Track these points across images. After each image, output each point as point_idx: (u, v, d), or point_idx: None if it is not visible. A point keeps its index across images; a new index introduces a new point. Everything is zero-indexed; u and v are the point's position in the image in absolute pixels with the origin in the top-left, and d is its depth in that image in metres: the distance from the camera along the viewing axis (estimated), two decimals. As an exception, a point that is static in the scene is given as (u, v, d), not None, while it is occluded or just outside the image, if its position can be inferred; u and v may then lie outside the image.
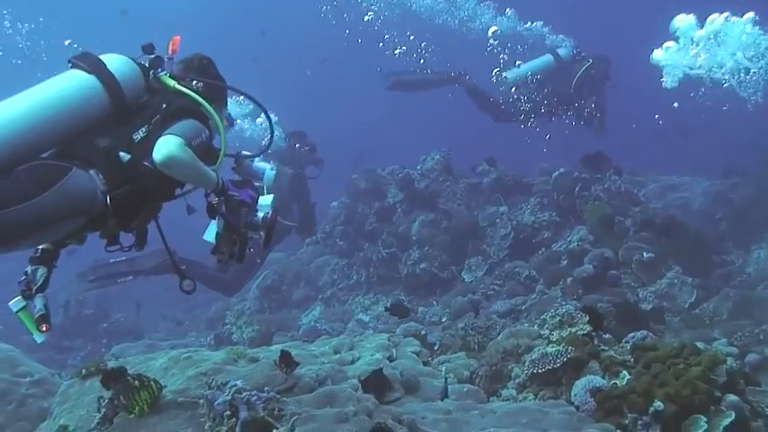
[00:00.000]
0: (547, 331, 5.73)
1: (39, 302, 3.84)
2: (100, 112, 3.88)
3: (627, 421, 4.59)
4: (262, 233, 4.32)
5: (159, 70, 4.21)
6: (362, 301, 12.21)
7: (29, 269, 3.97)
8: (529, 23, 13.79)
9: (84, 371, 5.51)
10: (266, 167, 5.02)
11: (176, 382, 4.83)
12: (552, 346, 5.33)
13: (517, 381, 5.40)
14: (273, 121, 4.97)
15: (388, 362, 5.53)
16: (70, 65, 3.94)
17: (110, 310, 16.60)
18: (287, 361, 4.94)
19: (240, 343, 11.77)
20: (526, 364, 5.30)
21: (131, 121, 3.98)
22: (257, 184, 4.60)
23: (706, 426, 4.44)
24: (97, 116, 3.87)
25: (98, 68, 3.88)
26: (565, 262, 10.28)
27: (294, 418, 4.17)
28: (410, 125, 32.79)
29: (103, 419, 4.52)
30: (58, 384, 6.50)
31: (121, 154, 3.85)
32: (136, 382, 4.46)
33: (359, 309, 12.05)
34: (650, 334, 5.83)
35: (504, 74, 12.30)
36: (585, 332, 5.54)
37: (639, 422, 4.55)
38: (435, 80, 13.34)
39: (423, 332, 7.43)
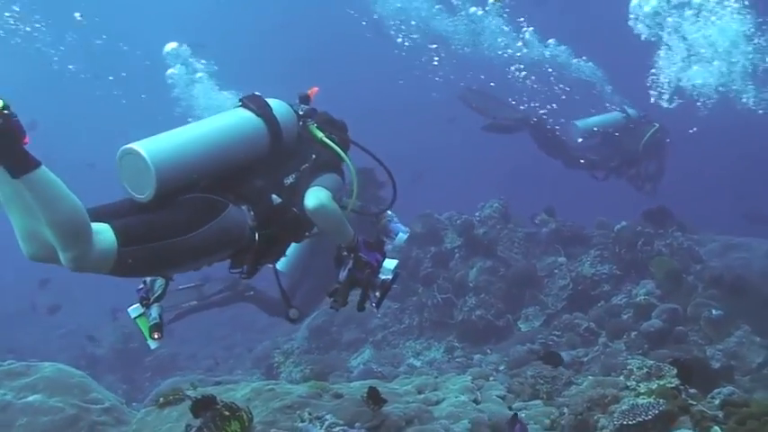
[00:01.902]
0: (634, 383, 5.61)
1: (154, 311, 4.06)
2: (259, 154, 4.17)
3: (721, 477, 4.45)
4: (377, 294, 4.65)
5: (309, 120, 4.56)
6: (414, 346, 12.07)
7: (148, 279, 4.20)
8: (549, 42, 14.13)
9: (162, 399, 5.47)
10: (401, 230, 5.10)
11: (261, 414, 4.77)
12: (643, 398, 5.21)
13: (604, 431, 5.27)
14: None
15: (474, 404, 5.44)
16: (240, 104, 4.28)
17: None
18: (375, 398, 4.87)
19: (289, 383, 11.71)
20: (615, 415, 5.17)
21: (283, 166, 4.31)
22: (386, 241, 4.98)
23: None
24: (256, 156, 4.16)
25: (265, 112, 4.20)
26: (626, 316, 10.13)
27: (387, 454, 4.10)
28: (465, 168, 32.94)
29: (191, 448, 4.47)
30: (128, 413, 6.49)
31: (273, 196, 4.19)
32: (226, 411, 4.41)
33: (410, 353, 11.92)
34: (736, 390, 5.69)
35: (574, 121, 12.43)
36: (674, 385, 5.41)
37: (733, 480, 4.40)
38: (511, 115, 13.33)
39: (492, 378, 7.32)
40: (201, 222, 3.75)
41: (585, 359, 9.34)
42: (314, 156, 4.46)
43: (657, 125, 12.75)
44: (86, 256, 3.22)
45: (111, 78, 25.48)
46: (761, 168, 24.97)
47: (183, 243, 3.65)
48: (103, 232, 3.31)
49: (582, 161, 12.91)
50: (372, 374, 10.12)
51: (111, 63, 25.49)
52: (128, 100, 26.53)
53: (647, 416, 5.00)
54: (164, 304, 4.17)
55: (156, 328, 4.01)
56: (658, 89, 12.83)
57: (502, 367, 9.78)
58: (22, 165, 2.96)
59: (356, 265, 4.57)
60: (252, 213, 4.08)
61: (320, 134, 4.54)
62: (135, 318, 4.06)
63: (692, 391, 5.60)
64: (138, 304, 4.09)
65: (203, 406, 4.57)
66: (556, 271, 11.62)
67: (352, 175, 4.60)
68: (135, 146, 3.69)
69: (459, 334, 11.66)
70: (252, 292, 10.09)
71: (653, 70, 12.74)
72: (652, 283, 10.09)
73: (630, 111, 13.03)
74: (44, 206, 3.04)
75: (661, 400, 5.07)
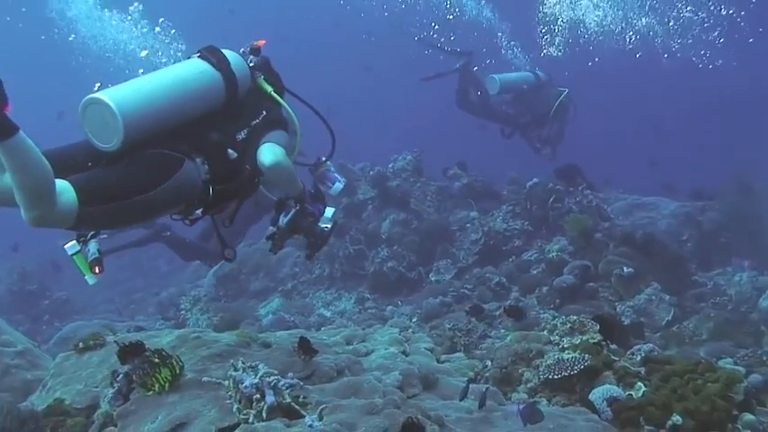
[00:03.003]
0: (557, 337, 5.68)
1: (93, 247, 4.04)
2: (215, 106, 4.21)
3: (641, 433, 4.54)
4: (312, 239, 4.91)
5: (258, 74, 4.57)
6: (324, 296, 12.01)
7: None
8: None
9: (81, 344, 5.24)
10: (337, 180, 5.09)
11: (189, 362, 4.62)
12: (568, 353, 5.28)
13: (528, 385, 5.33)
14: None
15: (403, 356, 5.42)
16: (198, 54, 4.28)
17: (51, 288, 16.09)
18: (306, 348, 4.78)
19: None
20: (541, 369, 5.23)
21: (235, 121, 4.34)
22: (323, 188, 5.05)
23: (723, 444, 4.44)
24: (212, 109, 4.19)
25: (224, 66, 4.22)
26: (537, 271, 10.30)
27: (322, 407, 4.02)
28: (378, 117, 32.78)
29: (117, 395, 4.28)
30: (42, 357, 6.24)
31: (230, 151, 4.22)
32: (156, 358, 4.24)
33: (320, 303, 11.85)
34: (656, 347, 5.84)
35: (492, 75, 12.49)
36: (596, 341, 5.51)
37: (656, 435, 4.50)
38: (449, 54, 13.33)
39: (410, 331, 7.33)
40: (160, 180, 3.78)
41: (497, 312, 9.45)
42: (264, 112, 4.50)
43: (567, 90, 12.95)
44: (48, 216, 3.28)
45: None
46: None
47: (141, 201, 3.70)
48: (65, 192, 3.34)
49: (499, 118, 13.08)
50: (285, 324, 10.02)
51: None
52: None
53: (572, 370, 5.08)
54: (100, 240, 4.10)
55: (97, 262, 3.99)
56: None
57: (415, 319, 9.83)
58: (1, 131, 2.98)
59: (301, 213, 4.75)
60: (206, 167, 4.12)
61: (269, 89, 4.58)
62: (72, 255, 4.01)
63: (612, 346, 5.73)
64: (74, 241, 4.04)
65: (131, 352, 4.39)
66: (468, 225, 11.68)
67: (297, 130, 4.67)
68: (101, 95, 3.67)
69: (371, 285, 11.64)
70: (168, 233, 9.87)
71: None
72: (565, 239, 10.24)
73: (540, 73, 13.23)
74: (15, 170, 3.09)
75: (586, 356, 5.15)
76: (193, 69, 4.14)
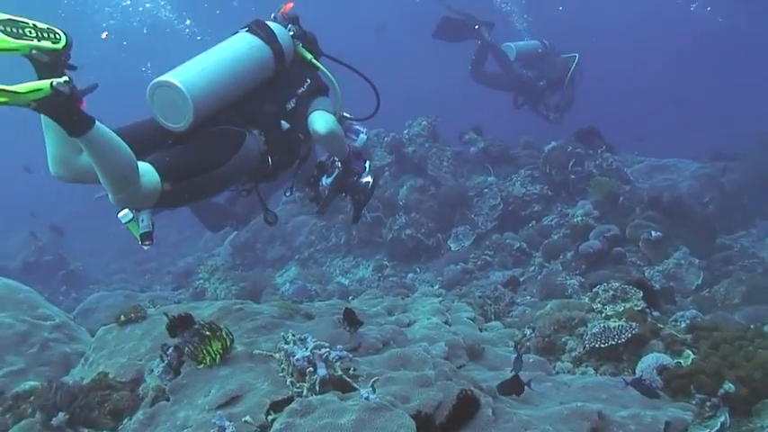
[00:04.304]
0: (599, 305, 5.58)
1: (145, 218, 4.05)
2: (265, 79, 4.34)
3: (694, 402, 4.45)
4: (357, 196, 5.07)
5: (297, 42, 4.64)
6: (342, 264, 11.95)
7: None
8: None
9: (123, 317, 5.15)
10: (362, 132, 5.19)
11: (236, 335, 4.53)
12: (614, 321, 5.19)
13: (573, 354, 5.25)
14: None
15: (447, 326, 5.34)
16: (245, 29, 4.41)
17: (68, 259, 16.06)
18: (351, 319, 4.69)
19: (218, 300, 11.45)
20: (587, 338, 5.14)
21: (283, 91, 4.47)
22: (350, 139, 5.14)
23: (777, 411, 4.35)
24: (262, 81, 4.33)
25: (271, 38, 4.35)
26: (557, 236, 10.20)
27: (374, 379, 3.94)
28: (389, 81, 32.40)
29: (167, 368, 4.20)
30: (78, 330, 6.18)
31: (282, 122, 4.40)
32: (207, 330, 4.16)
33: (338, 271, 11.80)
34: (699, 313, 5.76)
35: (508, 43, 12.44)
36: (640, 308, 5.42)
37: (708, 403, 4.41)
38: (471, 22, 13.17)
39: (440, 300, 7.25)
40: (229, 153, 4.03)
41: (522, 279, 9.38)
42: (308, 80, 4.60)
43: (577, 55, 12.87)
44: (134, 197, 3.54)
45: None
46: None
47: (216, 175, 3.97)
48: (148, 173, 3.57)
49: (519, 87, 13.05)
50: (306, 293, 9.97)
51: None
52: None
53: (619, 339, 4.99)
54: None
55: (148, 236, 4.04)
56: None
57: (437, 286, 9.77)
58: (77, 127, 3.12)
59: (345, 173, 4.94)
60: (263, 138, 4.32)
61: (309, 56, 4.68)
62: (126, 223, 4.05)
63: (655, 313, 5.64)
64: (127, 210, 4.04)
65: (180, 325, 4.31)
66: (486, 190, 11.57)
67: (338, 95, 4.76)
68: (170, 78, 3.86)
69: (389, 252, 11.57)
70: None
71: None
72: (589, 204, 10.11)
73: (545, 41, 13.24)
74: (98, 160, 3.29)
75: (633, 324, 5.06)
76: (246, 45, 4.26)
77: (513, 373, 4.34)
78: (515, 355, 4.79)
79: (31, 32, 3.06)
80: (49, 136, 3.55)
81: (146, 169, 3.55)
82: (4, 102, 2.80)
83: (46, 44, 3.08)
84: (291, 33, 4.59)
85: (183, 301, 10.12)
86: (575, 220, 9.85)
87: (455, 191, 11.67)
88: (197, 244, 16.52)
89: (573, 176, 11.04)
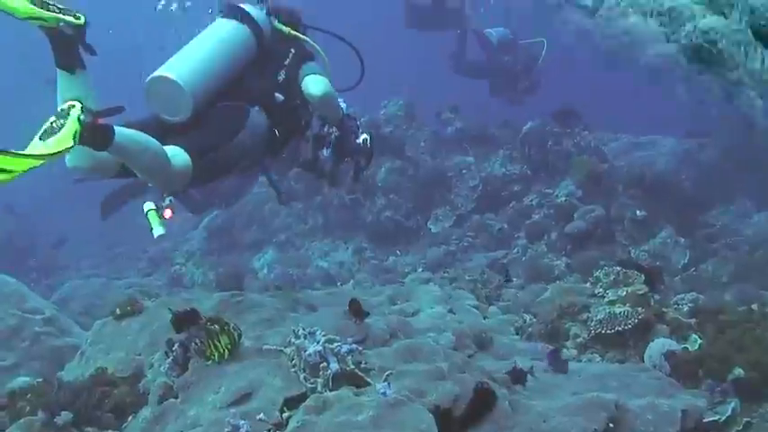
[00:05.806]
0: (601, 290, 5.55)
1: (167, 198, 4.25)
2: (250, 57, 4.56)
3: (703, 387, 4.44)
4: (358, 157, 5.20)
5: (272, 18, 4.80)
6: (320, 247, 11.81)
7: None
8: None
9: (118, 310, 5.03)
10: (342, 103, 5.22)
11: (242, 328, 4.44)
12: (619, 307, 5.16)
13: (578, 340, 5.22)
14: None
15: (451, 315, 5.29)
16: (221, 14, 4.62)
17: (38, 245, 15.73)
18: (357, 310, 4.61)
19: (196, 285, 11.30)
20: (592, 324, 5.12)
21: (270, 65, 4.67)
22: None
23: (788, 395, 4.34)
24: (249, 61, 4.55)
25: (246, 19, 4.55)
26: (538, 216, 10.17)
27: (387, 372, 3.87)
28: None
29: (173, 365, 4.10)
30: (68, 323, 6.06)
31: (276, 94, 4.58)
32: (215, 325, 4.05)
33: (317, 255, 11.67)
34: (699, 295, 5.76)
35: (488, 30, 12.44)
36: (643, 292, 5.39)
37: (718, 389, 4.40)
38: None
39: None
40: (241, 122, 4.30)
41: (505, 261, 9.35)
42: (292, 50, 4.79)
43: (544, 40, 12.87)
44: (170, 179, 3.87)
45: None
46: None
47: (234, 146, 4.23)
48: (177, 155, 3.84)
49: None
50: (289, 278, 9.88)
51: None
52: None
53: (626, 325, 4.97)
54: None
55: (171, 203, 4.23)
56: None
57: (420, 269, 9.72)
58: (100, 144, 3.33)
59: (343, 136, 5.05)
60: (264, 114, 4.53)
61: (286, 29, 4.83)
62: (147, 211, 4.17)
63: (656, 297, 5.62)
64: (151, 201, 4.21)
65: (186, 320, 4.20)
66: (464, 171, 11.48)
67: (324, 59, 4.93)
68: (165, 72, 4.09)
69: (368, 235, 11.48)
70: None
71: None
72: (572, 184, 10.09)
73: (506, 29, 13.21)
74: (129, 161, 3.61)
75: (639, 309, 5.04)
76: (226, 29, 4.49)
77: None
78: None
79: (55, 8, 3.40)
80: None
81: (174, 151, 3.82)
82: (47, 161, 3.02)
83: (70, 18, 3.46)
84: (263, 10, 4.75)
85: (163, 288, 9.99)
86: (559, 200, 9.82)
87: (434, 171, 11.58)
88: (168, 228, 16.20)
89: (551, 155, 11.00)
